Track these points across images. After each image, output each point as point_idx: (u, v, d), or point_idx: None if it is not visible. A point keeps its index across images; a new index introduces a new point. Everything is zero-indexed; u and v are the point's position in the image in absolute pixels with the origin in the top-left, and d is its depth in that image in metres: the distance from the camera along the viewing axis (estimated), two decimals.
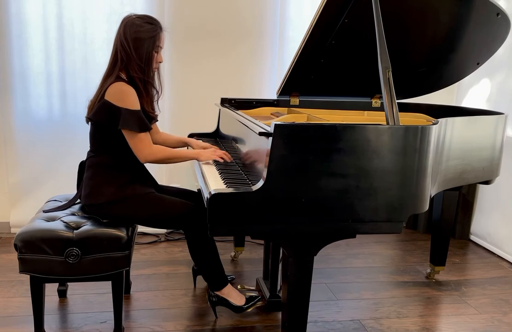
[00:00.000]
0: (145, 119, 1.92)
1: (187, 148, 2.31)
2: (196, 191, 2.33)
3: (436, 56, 2.47)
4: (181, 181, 3.04)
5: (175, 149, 2.14)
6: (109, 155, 1.96)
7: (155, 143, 2.24)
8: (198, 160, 2.08)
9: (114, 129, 1.89)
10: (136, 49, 1.91)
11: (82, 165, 2.09)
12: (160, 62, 2.03)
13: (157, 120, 2.19)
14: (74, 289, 2.36)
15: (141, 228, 2.77)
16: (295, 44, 2.98)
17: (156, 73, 2.05)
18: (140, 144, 1.91)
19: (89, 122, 1.98)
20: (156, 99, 2.09)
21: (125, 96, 1.87)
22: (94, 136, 1.99)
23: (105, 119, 1.90)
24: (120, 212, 1.93)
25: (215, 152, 2.06)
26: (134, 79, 1.93)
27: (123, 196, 1.93)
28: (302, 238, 1.60)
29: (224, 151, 2.07)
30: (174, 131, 3.11)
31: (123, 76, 1.94)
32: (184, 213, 1.95)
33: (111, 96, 1.87)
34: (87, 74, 2.99)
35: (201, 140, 2.38)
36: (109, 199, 1.92)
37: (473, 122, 2.28)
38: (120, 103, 1.86)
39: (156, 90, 2.06)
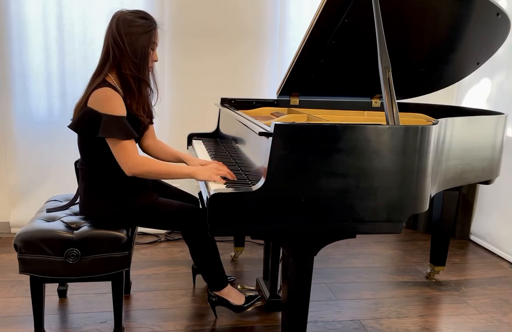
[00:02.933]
0: (129, 126, 1.79)
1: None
2: (197, 193, 2.31)
3: (436, 56, 2.47)
4: (181, 180, 3.03)
5: (167, 163, 1.89)
6: (100, 167, 1.87)
7: (149, 149, 2.15)
8: (195, 179, 1.82)
9: (98, 138, 1.76)
10: (130, 45, 1.79)
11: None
12: (155, 60, 1.92)
13: (152, 124, 2.09)
14: (74, 289, 2.36)
15: (141, 228, 2.77)
16: (295, 44, 2.98)
17: (151, 74, 1.94)
18: (124, 153, 1.77)
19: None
20: (153, 103, 1.99)
21: (108, 101, 1.75)
22: (82, 147, 1.89)
23: (87, 129, 1.79)
24: (119, 219, 1.91)
25: (217, 170, 1.78)
26: (126, 77, 1.82)
27: (121, 208, 1.90)
28: (302, 238, 1.60)
29: (228, 170, 1.80)
30: (174, 131, 3.11)
31: (111, 79, 1.84)
32: (183, 215, 1.93)
33: (93, 102, 1.76)
34: (87, 74, 2.88)
35: (200, 158, 2.17)
36: (107, 212, 1.90)
37: (473, 122, 2.28)
38: (101, 109, 1.74)
39: (152, 90, 1.95)
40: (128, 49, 1.80)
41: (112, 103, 1.76)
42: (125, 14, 1.83)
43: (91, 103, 1.78)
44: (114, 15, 1.84)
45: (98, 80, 1.81)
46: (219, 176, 1.74)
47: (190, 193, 2.29)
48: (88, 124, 1.79)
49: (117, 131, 1.75)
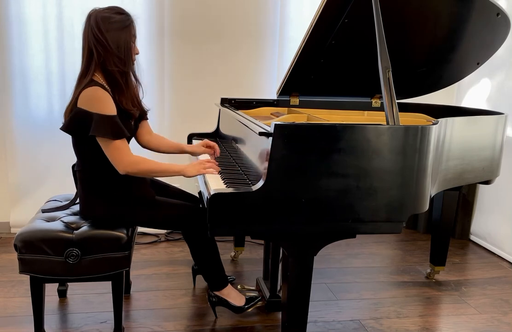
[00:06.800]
0: (120, 125, 1.77)
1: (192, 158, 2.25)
2: (197, 193, 2.31)
3: (436, 56, 2.47)
4: (181, 180, 3.02)
5: (158, 162, 1.87)
6: (96, 167, 1.85)
7: (150, 144, 2.16)
8: (184, 177, 1.86)
9: (90, 138, 1.75)
10: (113, 41, 1.78)
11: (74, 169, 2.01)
12: (137, 53, 1.90)
13: (147, 119, 2.09)
14: (74, 289, 2.36)
15: (141, 228, 2.77)
16: (295, 44, 2.97)
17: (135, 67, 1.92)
18: (117, 153, 1.76)
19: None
20: (140, 96, 1.97)
21: (98, 101, 1.74)
22: (77, 149, 1.88)
23: (79, 130, 1.77)
24: (119, 220, 1.91)
25: (203, 164, 1.85)
26: (113, 73, 1.80)
27: (120, 211, 1.89)
28: (302, 238, 1.60)
29: (212, 163, 1.87)
30: (174, 131, 3.11)
31: (97, 78, 1.81)
32: (183, 214, 1.94)
33: (83, 103, 1.75)
34: None
35: (199, 142, 2.22)
36: (106, 214, 1.89)
37: (473, 122, 2.28)
38: (92, 108, 1.73)
39: (139, 82, 1.94)
40: (112, 45, 1.78)
41: (103, 102, 1.75)
42: (101, 12, 1.80)
43: (81, 104, 1.76)
44: (90, 14, 1.81)
45: (85, 81, 1.79)
46: (206, 168, 1.82)
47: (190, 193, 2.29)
48: (79, 125, 1.77)
49: (107, 131, 1.74)
